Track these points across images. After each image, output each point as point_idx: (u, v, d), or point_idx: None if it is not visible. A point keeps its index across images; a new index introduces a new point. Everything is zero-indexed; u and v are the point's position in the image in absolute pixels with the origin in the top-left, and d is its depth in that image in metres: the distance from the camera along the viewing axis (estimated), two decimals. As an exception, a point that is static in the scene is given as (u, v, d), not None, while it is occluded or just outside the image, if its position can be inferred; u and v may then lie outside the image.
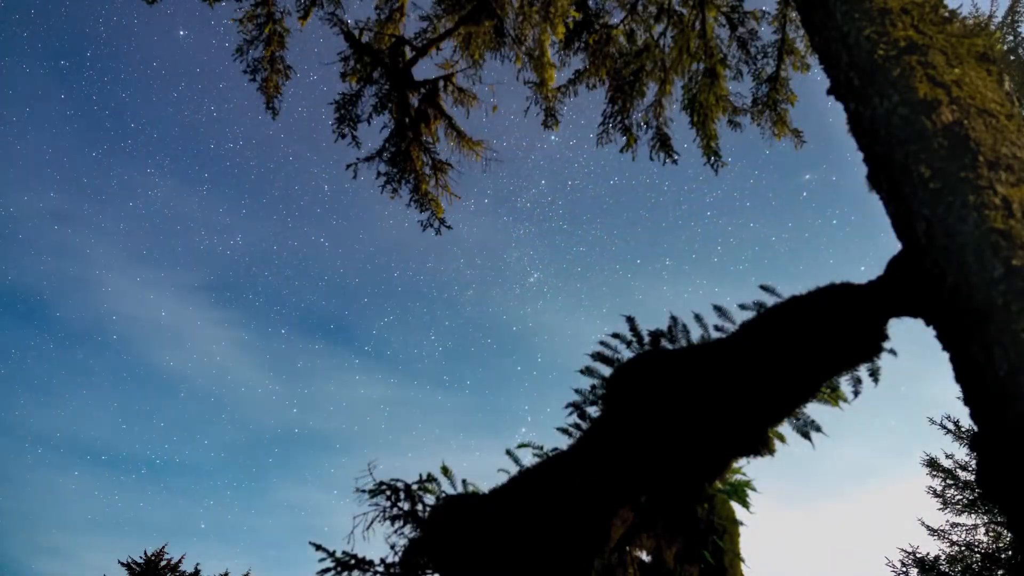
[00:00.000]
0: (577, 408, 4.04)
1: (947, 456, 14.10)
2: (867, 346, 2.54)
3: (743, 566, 3.86)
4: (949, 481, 13.89)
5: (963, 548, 13.33)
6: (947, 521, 13.77)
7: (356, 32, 6.52)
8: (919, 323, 2.18)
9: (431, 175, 7.05)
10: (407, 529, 3.28)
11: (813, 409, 3.43)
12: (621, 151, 7.28)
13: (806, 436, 3.47)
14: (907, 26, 2.17)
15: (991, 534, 13.22)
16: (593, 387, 4.04)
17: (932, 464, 14.17)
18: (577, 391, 4.08)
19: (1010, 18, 11.20)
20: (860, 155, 2.30)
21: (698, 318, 3.72)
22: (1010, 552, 12.74)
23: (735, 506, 4.04)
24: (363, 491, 3.41)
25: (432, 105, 6.86)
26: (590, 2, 6.70)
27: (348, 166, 6.80)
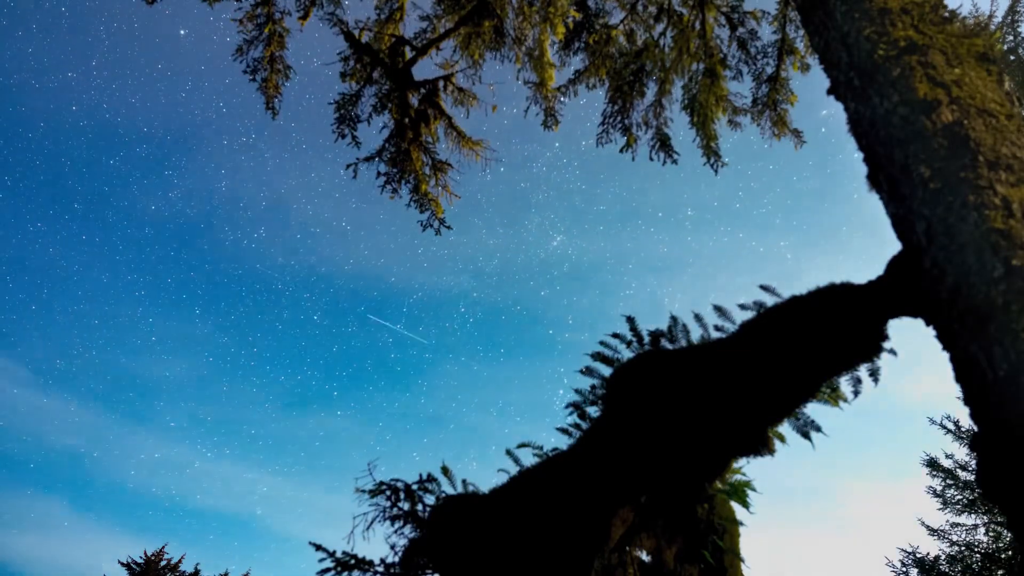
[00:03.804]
0: (577, 408, 4.05)
1: (947, 456, 14.12)
2: (867, 346, 2.54)
3: (743, 566, 3.86)
4: (949, 481, 13.90)
5: (963, 548, 13.33)
6: (947, 521, 13.79)
7: (356, 32, 6.52)
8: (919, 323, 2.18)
9: (431, 175, 7.05)
10: (407, 529, 3.28)
11: (813, 409, 3.44)
12: (621, 151, 7.28)
13: (806, 436, 3.47)
14: (907, 26, 2.17)
15: (991, 534, 13.22)
16: (593, 387, 4.04)
17: (932, 464, 14.18)
18: (577, 391, 4.09)
19: (1010, 18, 11.21)
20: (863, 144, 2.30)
21: (698, 318, 3.72)
22: (1010, 552, 12.74)
23: (735, 506, 4.04)
24: (363, 491, 3.41)
25: (432, 105, 6.86)
26: (590, 2, 6.70)
27: (348, 166, 6.81)
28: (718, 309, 3.54)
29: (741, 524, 4.00)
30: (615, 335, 4.06)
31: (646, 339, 3.97)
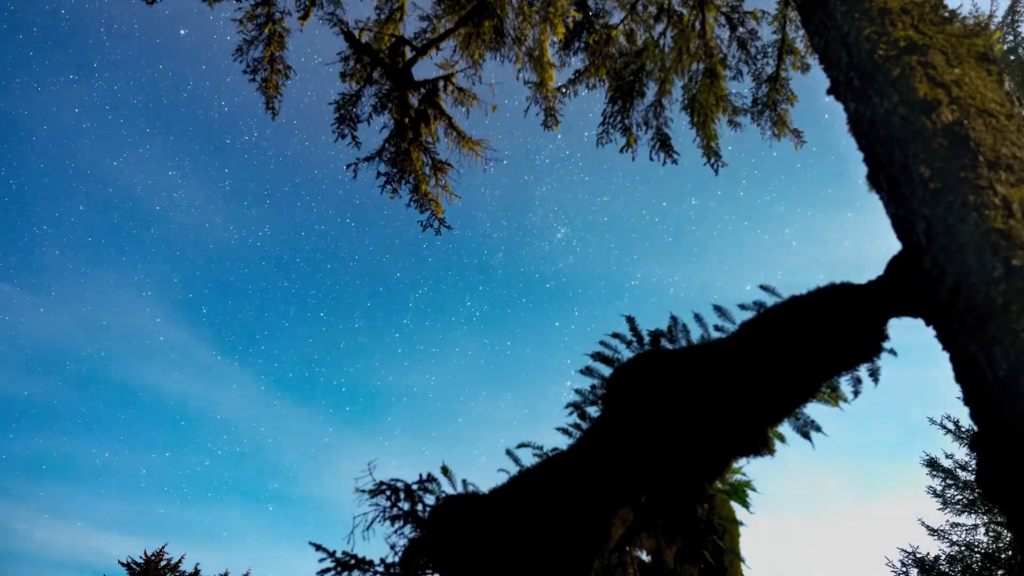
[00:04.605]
0: (577, 408, 4.04)
1: (947, 456, 14.11)
2: (867, 346, 2.54)
3: (743, 566, 3.86)
4: (949, 481, 13.90)
5: (963, 548, 13.33)
6: (947, 521, 13.79)
7: (356, 32, 6.52)
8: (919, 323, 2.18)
9: (431, 175, 7.05)
10: (407, 529, 3.28)
11: (813, 409, 3.44)
12: (621, 151, 7.28)
13: (806, 436, 3.47)
14: (907, 26, 2.17)
15: (991, 534, 13.22)
16: (593, 387, 4.04)
17: (932, 464, 14.18)
18: (577, 391, 4.09)
19: (1010, 18, 11.21)
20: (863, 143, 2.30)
21: (698, 318, 3.72)
22: (1010, 552, 12.74)
23: (735, 506, 4.04)
24: (363, 491, 3.41)
25: (432, 105, 6.86)
26: (590, 2, 6.70)
27: (348, 166, 6.81)
28: (718, 309, 3.55)
29: (741, 524, 4.01)
30: (615, 335, 4.06)
31: (646, 339, 3.97)
